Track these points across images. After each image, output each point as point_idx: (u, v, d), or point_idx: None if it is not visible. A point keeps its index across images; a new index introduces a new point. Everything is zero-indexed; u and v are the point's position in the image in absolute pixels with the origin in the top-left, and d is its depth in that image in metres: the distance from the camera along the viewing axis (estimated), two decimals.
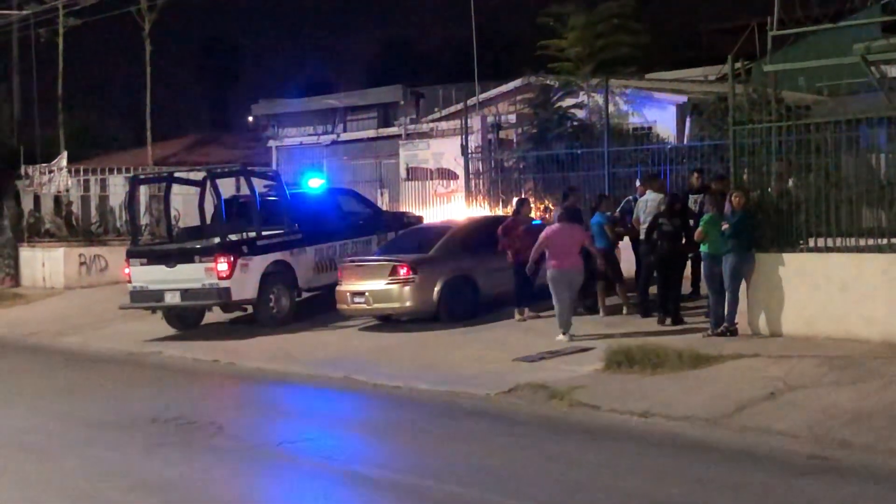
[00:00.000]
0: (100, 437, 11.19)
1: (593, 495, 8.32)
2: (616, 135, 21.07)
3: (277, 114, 30.94)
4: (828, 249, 13.33)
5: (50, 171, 29.48)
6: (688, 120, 21.49)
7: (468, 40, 26.11)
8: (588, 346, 14.16)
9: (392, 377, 13.74)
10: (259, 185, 20.04)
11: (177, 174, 21.92)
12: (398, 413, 12.17)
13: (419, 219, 21.84)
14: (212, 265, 17.93)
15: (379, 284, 17.26)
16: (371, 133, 27.68)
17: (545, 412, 11.41)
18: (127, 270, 19.02)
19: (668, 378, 12.07)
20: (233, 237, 18.58)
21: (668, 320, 15.15)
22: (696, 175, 16.95)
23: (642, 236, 16.05)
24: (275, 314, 18.67)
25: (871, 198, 13.49)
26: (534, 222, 17.86)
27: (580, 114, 22.70)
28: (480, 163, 23.26)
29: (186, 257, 18.34)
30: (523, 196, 19.66)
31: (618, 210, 17.37)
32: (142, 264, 18.75)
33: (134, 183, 21.14)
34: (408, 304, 17.24)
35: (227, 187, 21.99)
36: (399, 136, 26.11)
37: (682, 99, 22.13)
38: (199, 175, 20.95)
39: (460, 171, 23.38)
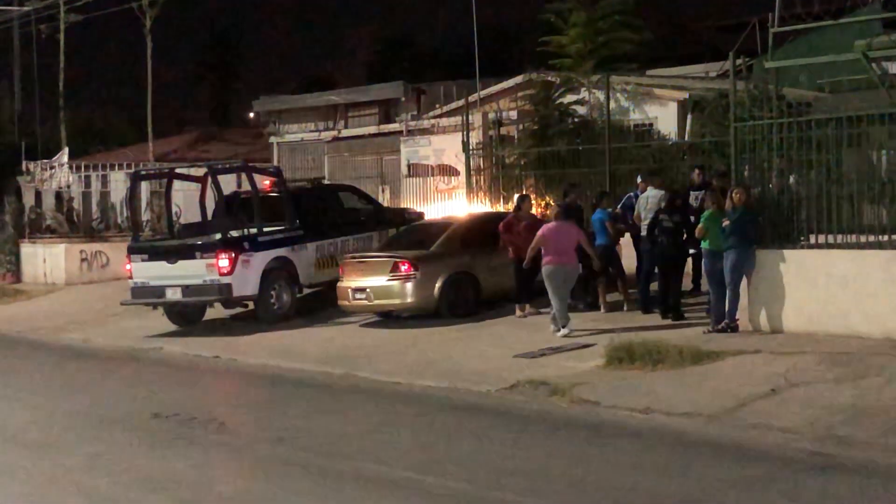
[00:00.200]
0: (101, 433, 11.20)
1: (594, 491, 8.33)
2: (617, 131, 21.05)
3: (279, 110, 30.94)
4: (829, 246, 13.34)
5: (51, 167, 29.49)
6: (689, 116, 21.47)
7: (469, 37, 26.12)
8: (589, 343, 14.16)
9: (393, 373, 13.75)
10: (260, 181, 20.04)
11: (178, 170, 21.94)
12: (399, 409, 12.18)
13: (420, 215, 21.86)
14: (213, 261, 17.93)
15: (380, 281, 17.27)
16: (372, 129, 27.66)
17: (546, 408, 11.41)
18: (128, 266, 19.04)
19: (669, 374, 12.08)
20: (234, 233, 18.59)
21: (669, 317, 15.17)
22: (697, 172, 16.96)
23: (643, 233, 16.06)
24: (276, 310, 18.69)
25: (872, 194, 13.49)
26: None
27: (581, 110, 22.67)
28: (481, 159, 23.24)
29: (188, 253, 18.35)
30: (524, 192, 19.64)
31: (619, 206, 17.38)
32: (143, 260, 18.76)
33: (135, 179, 21.18)
34: (409, 300, 17.25)
35: (228, 183, 21.99)
36: (400, 132, 26.10)
37: (684, 95, 22.11)
38: (200, 171, 20.96)
39: (461, 168, 23.37)
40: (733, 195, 13.78)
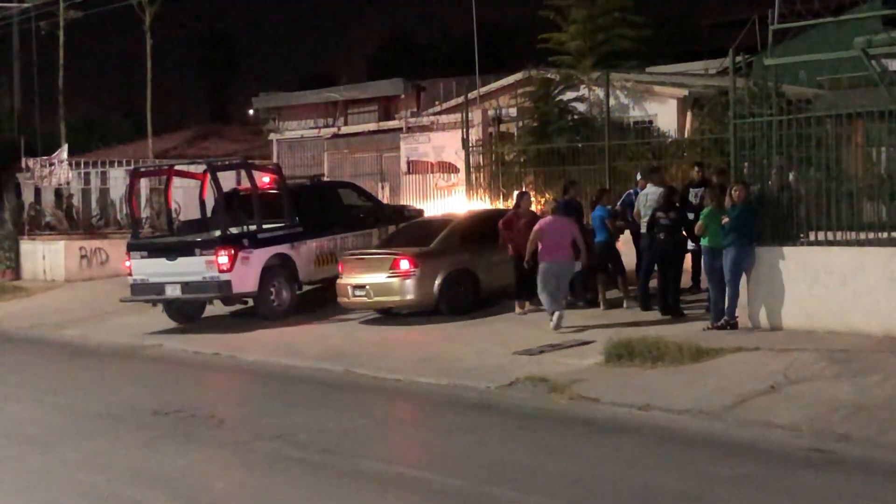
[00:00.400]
0: (100, 430, 11.20)
1: (593, 488, 8.33)
2: (617, 128, 21.06)
3: (278, 107, 30.91)
4: (828, 243, 13.33)
5: (50, 164, 29.47)
6: (689, 114, 21.47)
7: (469, 33, 26.11)
8: (588, 340, 14.16)
9: (393, 370, 13.76)
10: (259, 178, 20.04)
11: (177, 167, 21.91)
12: (399, 406, 12.19)
13: (420, 212, 21.86)
14: (212, 258, 17.93)
15: (380, 278, 17.27)
16: (372, 126, 27.64)
17: (545, 405, 11.41)
18: (128, 263, 19.04)
19: (668, 371, 12.08)
20: (233, 230, 18.60)
21: (669, 314, 15.17)
22: (696, 169, 16.96)
23: (643, 230, 16.07)
24: (275, 307, 18.69)
25: (872, 191, 13.49)
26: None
27: (581, 107, 22.67)
28: (481, 156, 23.24)
29: (187, 250, 18.36)
30: (524, 190, 19.64)
31: (618, 204, 17.38)
32: (142, 257, 18.76)
33: (134, 176, 21.17)
34: (408, 297, 17.26)
35: (227, 180, 21.99)
36: (400, 129, 26.07)
37: (683, 93, 22.10)
38: (199, 168, 20.94)
39: (461, 165, 23.36)
40: (733, 192, 13.78)
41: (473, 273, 17.61)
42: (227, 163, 22.20)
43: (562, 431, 10.39)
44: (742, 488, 8.16)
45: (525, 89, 23.57)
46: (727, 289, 13.87)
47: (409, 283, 17.15)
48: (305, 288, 19.60)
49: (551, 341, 14.31)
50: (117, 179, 30.14)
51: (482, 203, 22.32)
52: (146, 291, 18.73)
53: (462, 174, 23.29)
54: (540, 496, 8.14)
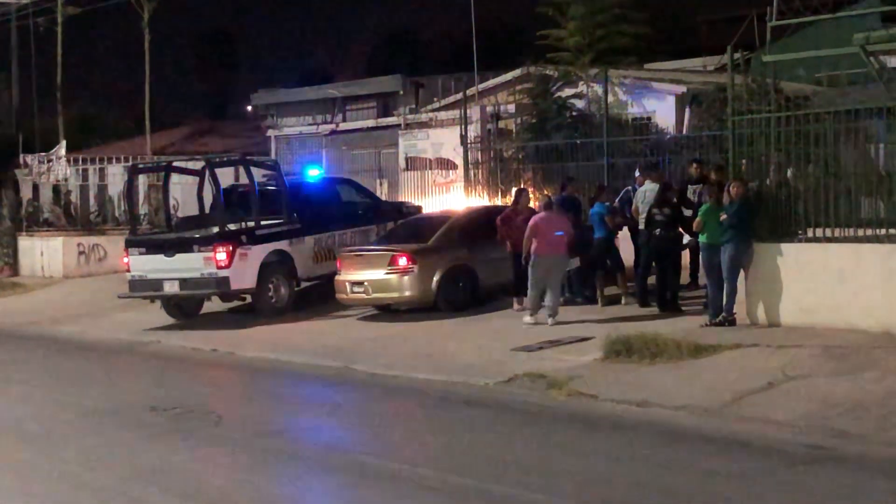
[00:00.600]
0: (98, 426, 11.20)
1: (591, 484, 8.33)
2: (615, 125, 21.06)
3: (277, 103, 30.91)
4: (826, 240, 13.33)
5: (49, 161, 29.48)
6: (687, 110, 21.47)
7: (468, 30, 26.07)
8: (587, 336, 14.17)
9: (391, 367, 13.75)
10: (258, 174, 20.02)
11: (176, 163, 21.90)
12: (397, 403, 12.19)
13: (418, 209, 21.85)
14: (211, 254, 17.93)
15: (378, 274, 17.27)
16: (370, 123, 27.65)
17: (544, 402, 11.41)
18: (126, 260, 19.01)
19: (666, 368, 12.08)
20: (232, 227, 18.59)
21: (667, 310, 15.17)
22: (695, 165, 16.95)
23: (641, 226, 16.07)
24: (274, 304, 18.69)
25: (870, 188, 13.49)
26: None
27: (579, 104, 22.68)
28: (479, 153, 23.24)
29: (185, 247, 18.34)
30: (522, 186, 19.64)
31: (617, 200, 17.38)
32: (140, 254, 18.74)
33: (133, 172, 21.14)
34: (407, 293, 17.26)
35: (225, 177, 21.97)
36: (398, 125, 26.09)
37: (682, 89, 22.10)
38: (197, 164, 20.93)
39: (459, 161, 23.36)
40: (731, 189, 13.78)
41: (472, 269, 17.62)
42: (225, 159, 22.19)
43: (560, 428, 10.39)
44: (739, 484, 8.16)
45: (523, 86, 23.59)
46: (725, 285, 13.87)
47: (408, 279, 17.15)
48: (304, 284, 19.58)
49: (549, 337, 14.31)
50: (115, 176, 30.08)
51: (480, 199, 22.32)
52: (144, 288, 18.71)
53: (460, 171, 23.29)
54: (537, 492, 8.13)
